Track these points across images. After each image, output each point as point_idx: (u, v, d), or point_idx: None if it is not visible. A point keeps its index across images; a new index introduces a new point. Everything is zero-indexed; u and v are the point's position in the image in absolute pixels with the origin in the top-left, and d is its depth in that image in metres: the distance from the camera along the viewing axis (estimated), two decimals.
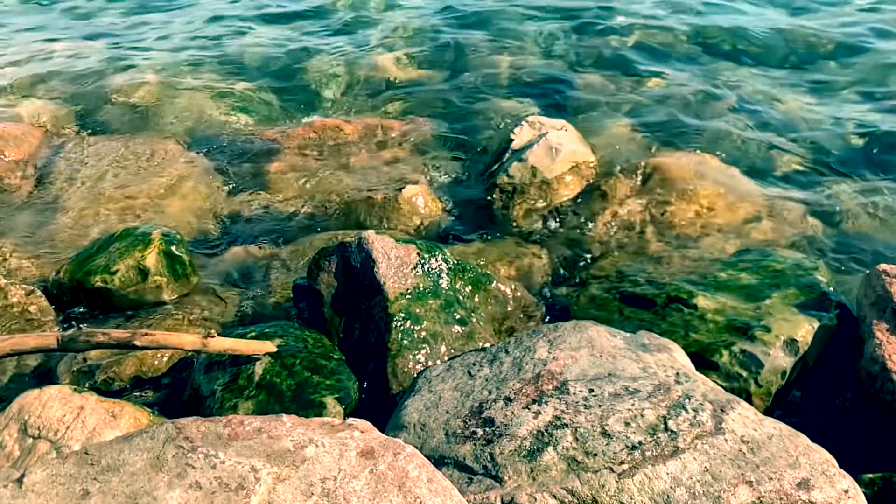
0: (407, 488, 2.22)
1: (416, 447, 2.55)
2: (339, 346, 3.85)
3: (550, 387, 2.99)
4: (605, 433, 2.70)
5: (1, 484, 2.26)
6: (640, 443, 2.64)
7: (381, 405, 3.45)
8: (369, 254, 3.91)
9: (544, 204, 5.10)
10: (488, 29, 8.05)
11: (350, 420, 2.52)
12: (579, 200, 5.12)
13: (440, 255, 4.03)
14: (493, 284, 4.17)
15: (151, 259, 4.31)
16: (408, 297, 3.81)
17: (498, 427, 2.84)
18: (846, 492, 2.53)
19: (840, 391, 3.59)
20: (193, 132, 6.19)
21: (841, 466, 2.63)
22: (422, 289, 3.87)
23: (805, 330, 3.63)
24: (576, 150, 5.36)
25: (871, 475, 3.00)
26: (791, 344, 3.57)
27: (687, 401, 2.83)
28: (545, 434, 2.74)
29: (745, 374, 3.50)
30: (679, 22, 7.91)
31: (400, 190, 5.19)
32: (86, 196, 5.38)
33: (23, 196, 5.44)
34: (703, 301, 3.86)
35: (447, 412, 3.03)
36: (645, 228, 4.82)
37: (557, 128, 5.52)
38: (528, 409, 2.89)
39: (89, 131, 6.31)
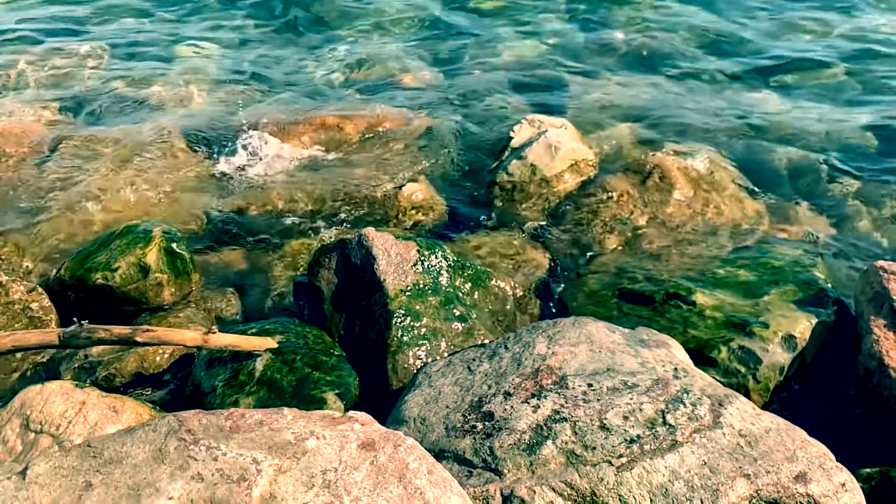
0: (407, 480, 2.23)
1: (417, 441, 2.57)
2: (340, 342, 3.87)
3: (549, 381, 3.01)
4: (603, 427, 2.72)
5: (4, 476, 2.28)
6: (638, 436, 2.66)
7: (381, 401, 3.47)
8: (369, 251, 3.93)
9: (544, 201, 5.12)
10: (489, 26, 8.06)
11: (351, 413, 2.54)
12: (578, 198, 5.14)
13: (440, 252, 4.05)
14: (493, 281, 4.19)
15: (152, 256, 4.32)
16: (408, 293, 3.83)
17: (497, 421, 2.85)
18: (843, 485, 2.54)
19: (838, 386, 3.61)
20: (194, 129, 6.20)
21: (838, 461, 2.64)
22: (422, 285, 3.89)
23: (803, 326, 3.65)
24: (575, 147, 5.38)
25: (868, 470, 3.02)
26: (789, 340, 3.59)
27: (685, 395, 2.85)
28: (544, 428, 2.76)
29: (743, 370, 3.52)
30: (680, 21, 7.93)
31: (400, 187, 5.21)
32: (86, 193, 5.39)
33: (23, 193, 5.45)
34: (702, 297, 3.88)
35: (447, 406, 3.05)
36: (644, 225, 4.84)
37: (557, 126, 5.54)
38: (528, 403, 2.90)
39: (89, 129, 6.32)
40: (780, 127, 6.05)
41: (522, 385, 3.02)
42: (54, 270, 4.51)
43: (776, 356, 3.54)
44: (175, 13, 8.91)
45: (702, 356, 3.55)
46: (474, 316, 3.93)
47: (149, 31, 8.45)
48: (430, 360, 3.62)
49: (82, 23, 8.71)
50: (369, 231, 4.02)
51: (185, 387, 3.79)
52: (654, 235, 4.77)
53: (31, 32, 8.40)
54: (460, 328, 3.82)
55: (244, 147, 5.82)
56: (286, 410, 2.51)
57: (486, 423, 2.87)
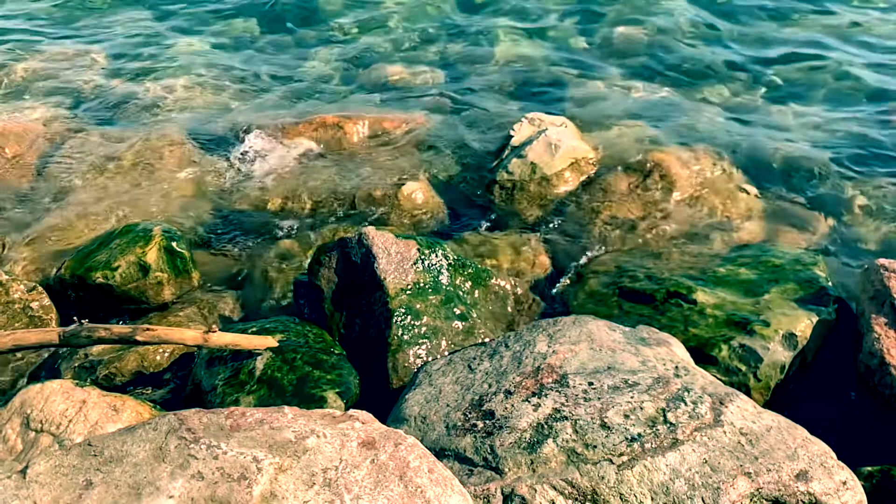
0: (408, 478, 2.23)
1: (417, 439, 2.56)
2: (340, 341, 3.87)
3: (550, 380, 3.00)
4: (604, 425, 2.72)
5: (5, 475, 2.28)
6: (639, 435, 2.66)
7: (381, 400, 3.46)
8: (369, 249, 3.93)
9: (544, 200, 5.11)
10: (489, 23, 8.06)
11: (351, 411, 2.54)
12: (579, 196, 5.13)
13: (440, 251, 4.05)
14: (493, 280, 4.19)
15: (152, 255, 4.32)
16: (408, 292, 3.83)
17: (498, 419, 2.85)
18: (844, 483, 2.54)
19: (839, 385, 3.61)
20: (193, 128, 6.20)
21: (839, 459, 2.64)
22: (422, 284, 3.88)
23: (804, 324, 3.65)
24: (575, 146, 5.37)
25: (869, 468, 3.02)
26: (790, 338, 3.59)
27: (686, 393, 2.85)
28: (545, 426, 2.76)
29: (744, 368, 3.52)
30: (681, 19, 7.92)
31: (400, 186, 5.20)
32: (86, 192, 5.39)
33: (23, 193, 5.46)
34: (703, 296, 3.88)
35: (447, 405, 3.05)
36: (644, 224, 4.83)
37: (557, 124, 5.53)
38: (528, 401, 2.90)
39: (89, 128, 6.32)
40: (781, 125, 6.05)
41: (523, 383, 3.02)
42: (54, 269, 4.51)
43: (777, 354, 3.54)
44: (175, 13, 8.91)
45: (702, 354, 3.55)
46: (475, 315, 3.93)
47: (149, 31, 8.44)
48: (430, 358, 3.62)
49: (82, 23, 8.71)
50: (369, 230, 4.01)
51: (185, 386, 3.79)
52: (654, 234, 4.76)
53: (31, 32, 8.40)
54: (461, 327, 3.82)
55: (244, 146, 5.82)
56: (287, 409, 2.51)
57: (487, 421, 2.87)
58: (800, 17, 7.99)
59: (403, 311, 3.74)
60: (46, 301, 4.28)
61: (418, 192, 5.17)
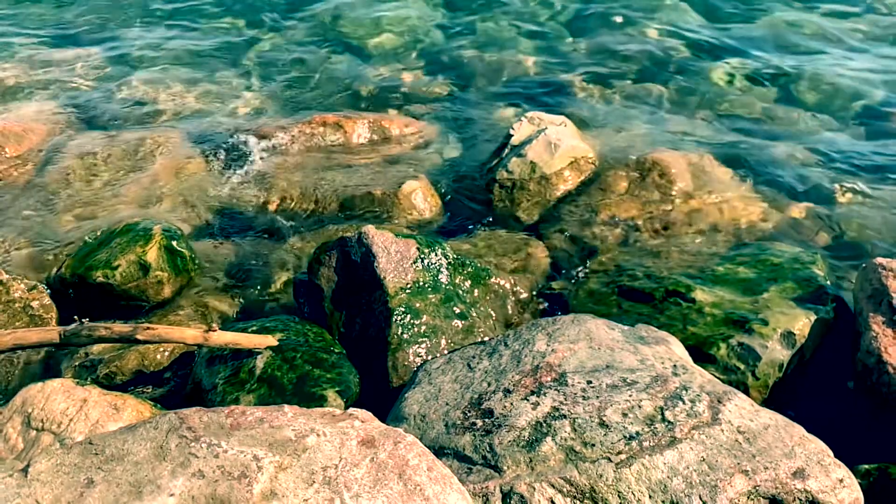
0: (407, 476, 2.25)
1: (416, 438, 2.58)
2: (340, 340, 3.88)
3: (549, 378, 3.02)
4: (602, 424, 2.73)
5: (7, 474, 2.29)
6: (637, 433, 2.67)
7: (381, 399, 3.48)
8: (369, 248, 3.94)
9: (543, 199, 5.12)
10: (489, 25, 8.07)
11: (351, 410, 2.55)
12: (578, 195, 5.14)
13: (440, 250, 4.06)
14: (493, 279, 4.20)
15: (152, 254, 4.33)
16: (408, 291, 3.84)
17: (497, 418, 2.86)
18: (841, 481, 2.56)
19: (836, 383, 3.62)
20: (193, 128, 6.21)
21: (837, 457, 2.65)
22: (422, 283, 3.90)
23: (802, 323, 3.66)
24: (575, 145, 5.38)
25: (866, 466, 3.04)
26: (788, 337, 3.60)
27: (684, 392, 2.86)
28: (544, 425, 2.77)
29: (742, 366, 3.53)
30: (680, 20, 7.93)
31: (400, 185, 5.21)
32: (86, 191, 5.41)
33: (24, 192, 5.47)
34: (702, 295, 3.89)
35: (447, 404, 3.06)
36: (643, 223, 4.85)
37: (556, 123, 5.54)
38: (527, 400, 2.91)
39: (88, 128, 6.33)
40: (780, 125, 6.06)
41: (522, 382, 3.03)
42: (55, 268, 4.52)
43: (775, 353, 3.55)
44: (174, 13, 8.91)
45: (701, 353, 3.56)
46: (474, 313, 3.94)
47: (148, 32, 8.45)
48: (430, 357, 3.63)
49: (81, 26, 8.71)
50: (369, 229, 4.02)
51: (185, 384, 3.80)
52: (653, 233, 4.77)
53: (32, 34, 8.40)
54: (460, 326, 3.83)
55: (243, 146, 5.83)
56: (286, 408, 2.52)
57: (486, 420, 2.88)
58: (802, 16, 7.99)
59: (403, 309, 3.76)
60: (47, 300, 4.29)
61: (418, 192, 5.18)
